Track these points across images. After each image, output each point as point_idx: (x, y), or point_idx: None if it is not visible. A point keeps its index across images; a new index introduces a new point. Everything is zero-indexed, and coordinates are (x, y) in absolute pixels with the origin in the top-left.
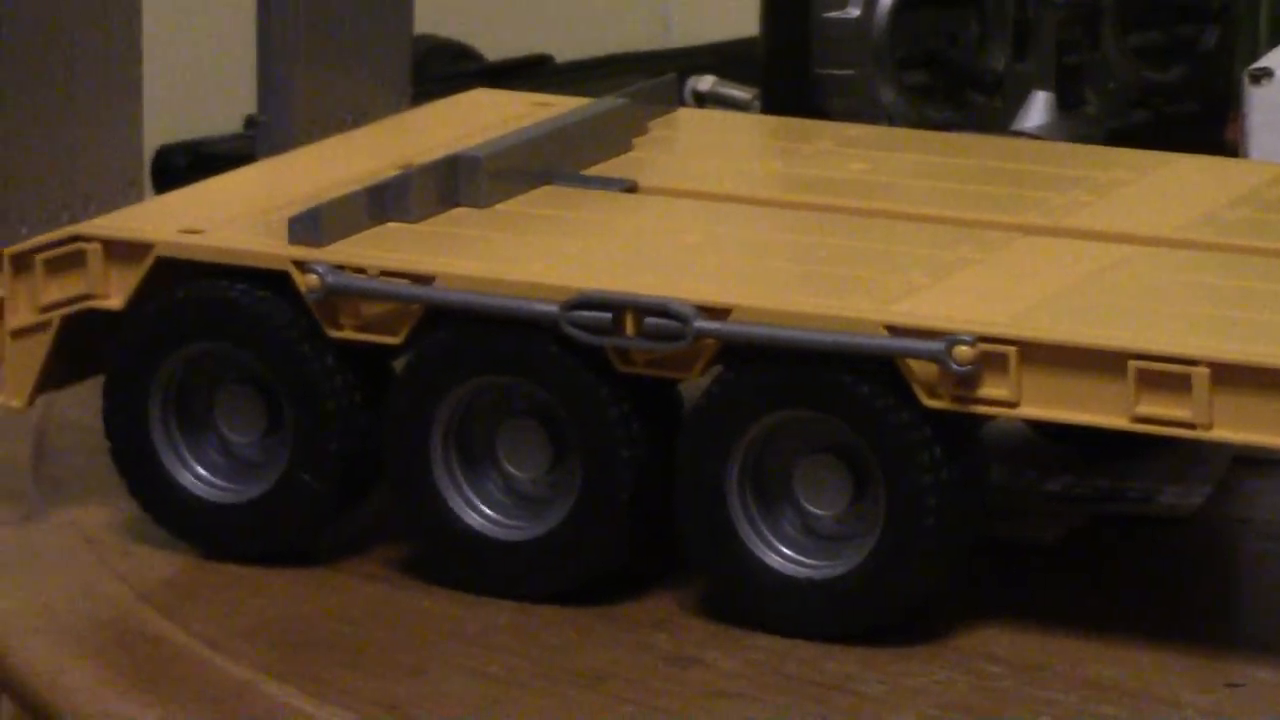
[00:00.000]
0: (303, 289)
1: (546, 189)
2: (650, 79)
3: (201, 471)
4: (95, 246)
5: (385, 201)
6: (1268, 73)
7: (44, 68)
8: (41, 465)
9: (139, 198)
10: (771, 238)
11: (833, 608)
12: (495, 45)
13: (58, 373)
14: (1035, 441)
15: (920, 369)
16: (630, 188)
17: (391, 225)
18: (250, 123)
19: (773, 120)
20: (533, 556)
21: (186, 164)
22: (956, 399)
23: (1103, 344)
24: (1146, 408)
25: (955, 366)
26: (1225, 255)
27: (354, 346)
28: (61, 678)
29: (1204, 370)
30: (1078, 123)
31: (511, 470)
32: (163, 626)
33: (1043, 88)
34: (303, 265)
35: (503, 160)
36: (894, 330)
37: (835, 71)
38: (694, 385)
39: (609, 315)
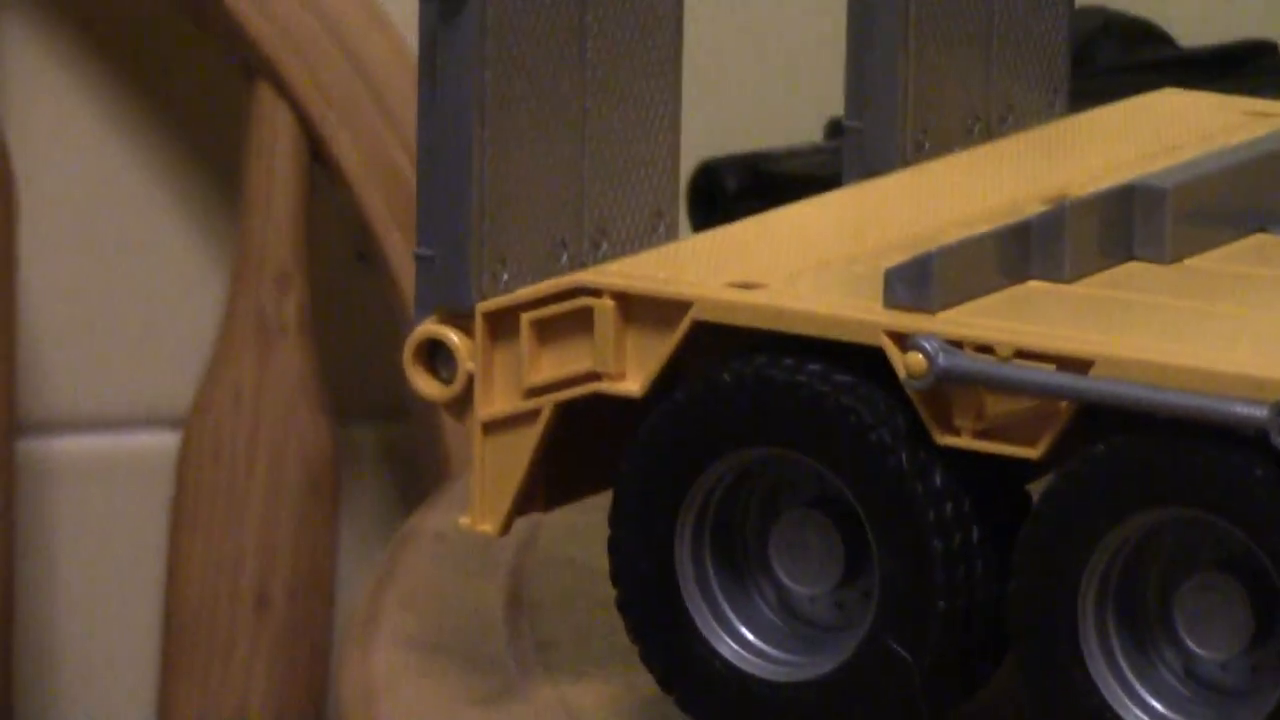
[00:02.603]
0: (902, 373)
1: (1259, 238)
2: None
3: (748, 635)
4: (606, 304)
5: (1026, 250)
6: None
7: (561, 53)
8: (520, 619)
9: (670, 235)
10: None
11: None
12: (1194, 25)
13: (546, 488)
14: None
15: None
16: None
17: (1034, 285)
18: (834, 131)
19: None
20: None
21: (738, 188)
22: None
23: None
24: None
25: None
26: None
27: (974, 460)
28: None
29: None
30: None
31: (1194, 648)
32: None
33: None
34: (903, 339)
35: (1198, 194)
36: None
37: None
38: None
39: None
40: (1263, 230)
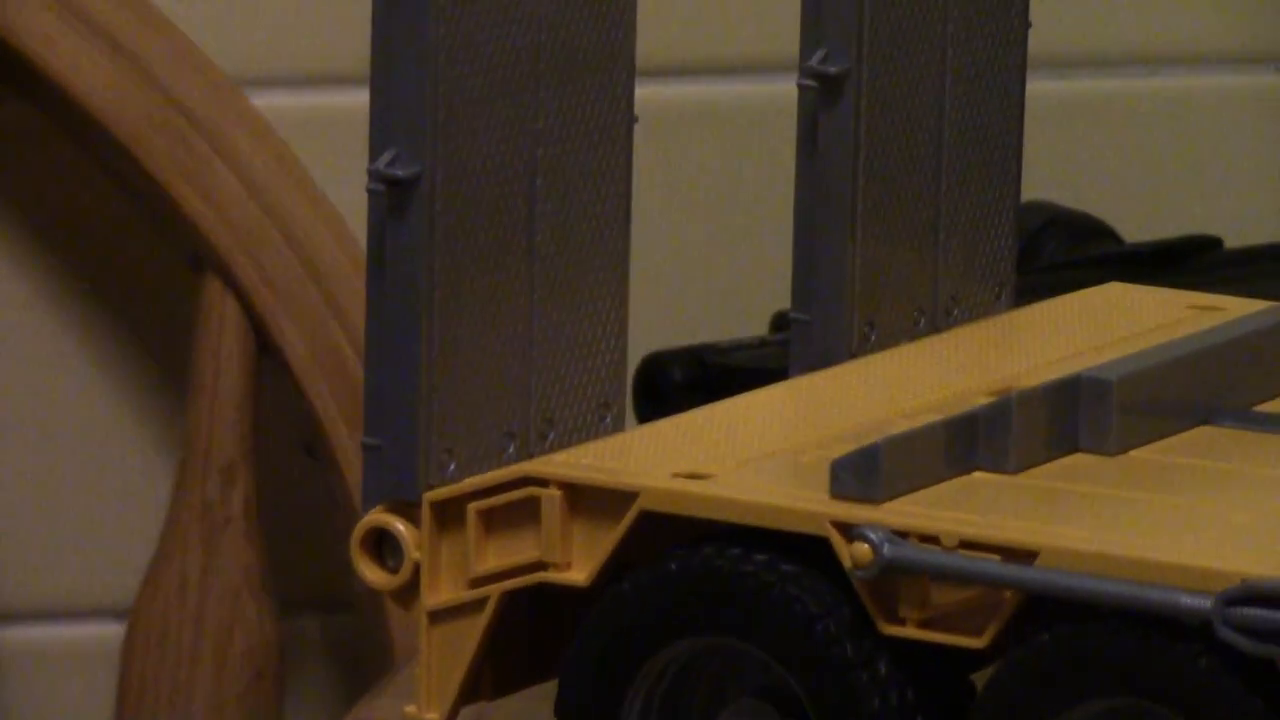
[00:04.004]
0: (848, 563)
1: (1204, 430)
2: None
3: None
4: (553, 494)
5: (972, 441)
6: None
7: (510, 245)
8: None
9: (617, 426)
10: None
11: None
12: (1138, 221)
13: (493, 676)
14: None
15: None
16: None
17: (980, 476)
18: (780, 323)
19: None
20: None
21: (685, 379)
22: None
23: None
24: None
25: None
26: None
27: (919, 649)
28: None
29: None
30: None
31: None
32: None
33: None
34: (849, 530)
35: (1144, 387)
36: None
37: None
38: None
39: None
40: (1207, 423)
